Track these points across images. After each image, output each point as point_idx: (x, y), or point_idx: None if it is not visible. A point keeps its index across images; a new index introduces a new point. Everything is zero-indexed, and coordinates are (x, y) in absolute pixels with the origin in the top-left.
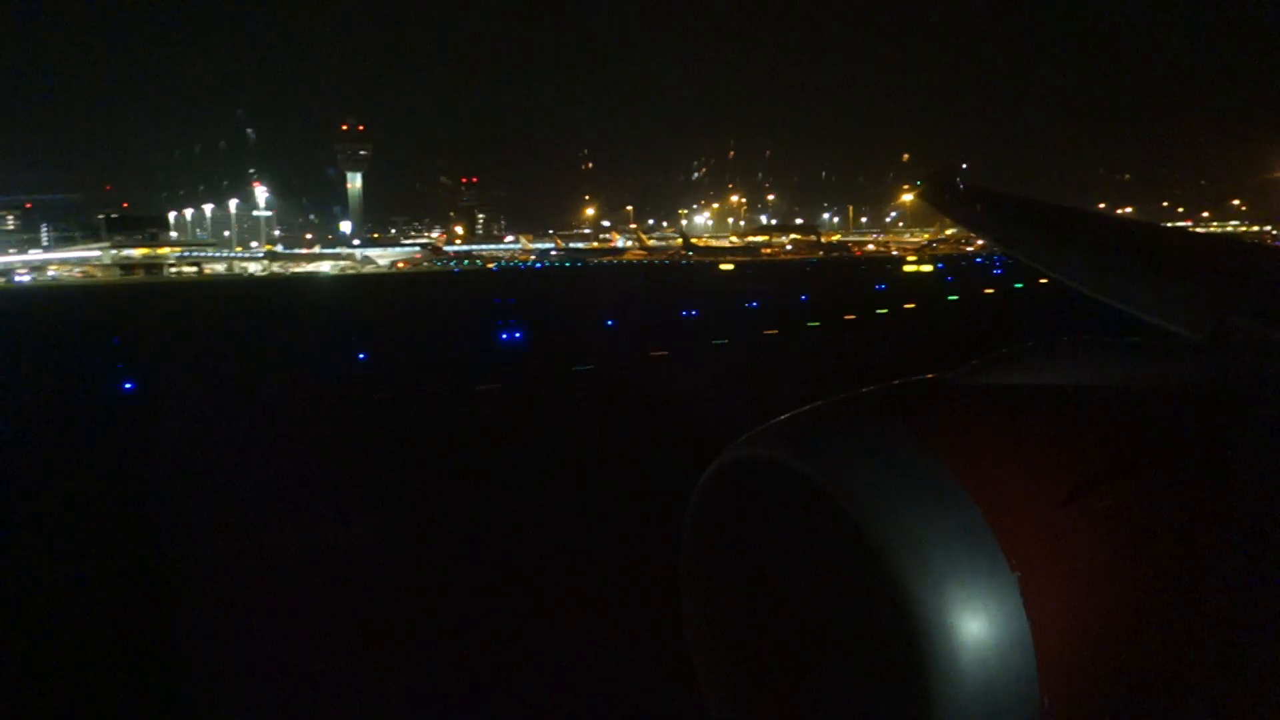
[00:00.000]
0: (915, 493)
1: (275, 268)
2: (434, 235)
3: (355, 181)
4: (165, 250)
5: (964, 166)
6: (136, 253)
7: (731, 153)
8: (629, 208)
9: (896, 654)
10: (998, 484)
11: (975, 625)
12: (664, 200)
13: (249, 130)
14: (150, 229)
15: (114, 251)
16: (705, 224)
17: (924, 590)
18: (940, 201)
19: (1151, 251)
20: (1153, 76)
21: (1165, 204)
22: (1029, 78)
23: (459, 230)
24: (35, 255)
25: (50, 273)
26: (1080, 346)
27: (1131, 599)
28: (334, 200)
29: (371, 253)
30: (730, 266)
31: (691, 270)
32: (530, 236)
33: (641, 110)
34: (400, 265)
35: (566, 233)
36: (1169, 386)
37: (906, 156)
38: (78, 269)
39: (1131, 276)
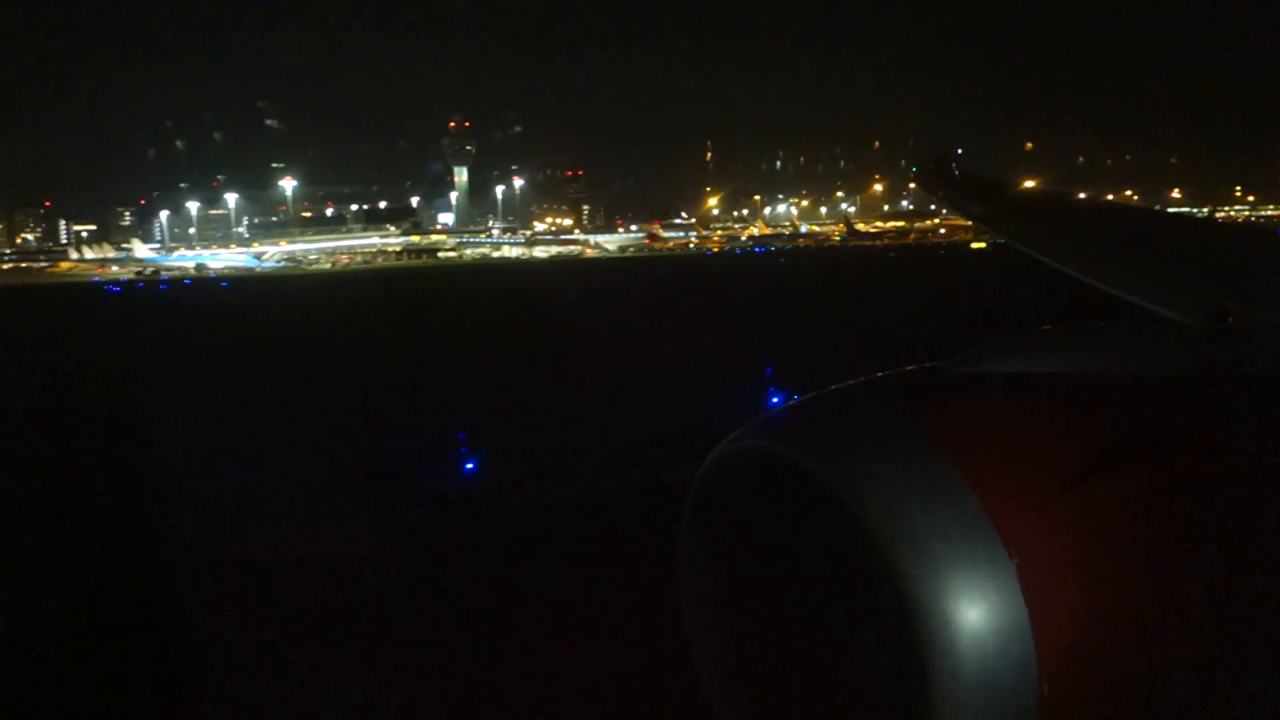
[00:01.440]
0: (912, 482)
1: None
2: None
3: (462, 175)
4: (439, 236)
5: (959, 152)
6: (412, 239)
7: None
8: (757, 197)
9: (896, 642)
10: (995, 472)
11: (974, 613)
12: (744, 190)
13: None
14: (412, 218)
15: (407, 238)
16: (788, 211)
17: (922, 579)
18: (935, 188)
19: (1148, 237)
20: (1206, 53)
21: (1238, 189)
22: (1095, 59)
23: (565, 222)
24: (296, 245)
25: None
26: (1076, 333)
27: (1129, 585)
28: (430, 191)
29: (600, 239)
30: (983, 244)
31: (949, 251)
32: (658, 224)
33: (729, 106)
34: (653, 243)
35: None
36: (1166, 373)
37: (1030, 145)
38: (344, 255)
39: (1128, 262)
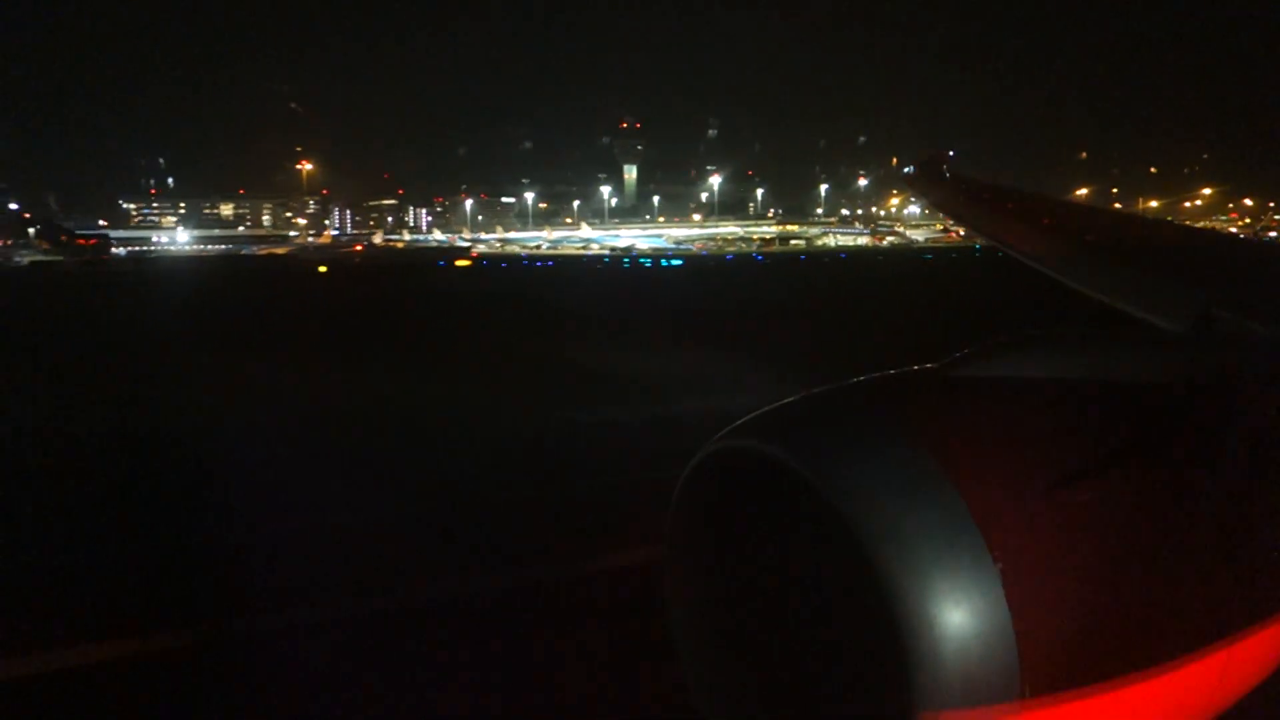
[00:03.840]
0: (899, 484)
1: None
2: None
3: (630, 173)
4: (794, 226)
5: (951, 154)
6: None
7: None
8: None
9: (880, 644)
10: (981, 475)
11: (957, 616)
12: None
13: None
14: (750, 211)
15: (780, 227)
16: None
17: (907, 581)
18: (924, 189)
19: (1134, 244)
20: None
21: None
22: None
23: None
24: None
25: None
26: (1064, 339)
27: (1112, 590)
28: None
29: (910, 233)
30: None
31: None
32: (811, 222)
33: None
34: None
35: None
36: (1152, 379)
37: (1198, 166)
38: (702, 242)
39: (1116, 269)
